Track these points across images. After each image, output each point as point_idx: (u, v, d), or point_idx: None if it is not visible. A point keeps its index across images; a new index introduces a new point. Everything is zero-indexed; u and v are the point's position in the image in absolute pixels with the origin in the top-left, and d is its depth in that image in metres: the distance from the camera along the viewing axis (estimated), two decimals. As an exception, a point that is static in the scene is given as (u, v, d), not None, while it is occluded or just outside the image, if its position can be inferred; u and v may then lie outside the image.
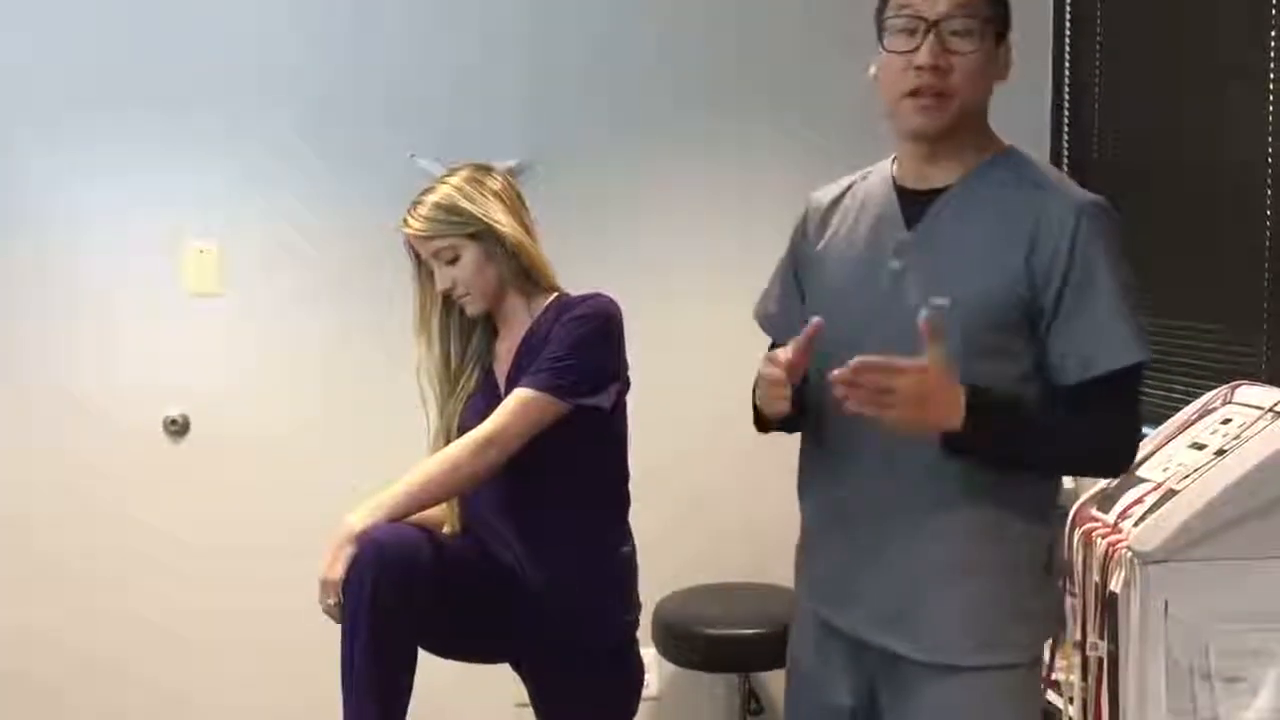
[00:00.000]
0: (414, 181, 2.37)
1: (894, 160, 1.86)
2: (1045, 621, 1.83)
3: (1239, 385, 2.03)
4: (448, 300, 2.25)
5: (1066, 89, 3.47)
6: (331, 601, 2.01)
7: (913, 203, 1.80)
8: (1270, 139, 2.62)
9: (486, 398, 2.22)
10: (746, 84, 3.43)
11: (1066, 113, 3.47)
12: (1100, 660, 1.90)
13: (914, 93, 1.72)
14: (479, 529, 2.24)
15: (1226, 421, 1.95)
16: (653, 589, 2.81)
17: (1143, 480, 1.95)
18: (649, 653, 2.78)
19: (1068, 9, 3.46)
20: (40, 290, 3.26)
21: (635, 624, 2.28)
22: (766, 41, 3.42)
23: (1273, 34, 2.62)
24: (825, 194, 1.95)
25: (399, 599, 1.98)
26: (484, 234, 2.20)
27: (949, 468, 1.70)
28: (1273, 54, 2.62)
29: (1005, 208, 1.73)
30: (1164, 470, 1.95)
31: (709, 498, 3.40)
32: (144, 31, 3.26)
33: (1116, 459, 1.76)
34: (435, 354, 2.28)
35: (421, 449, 2.26)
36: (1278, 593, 1.83)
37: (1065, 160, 3.47)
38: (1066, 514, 2.06)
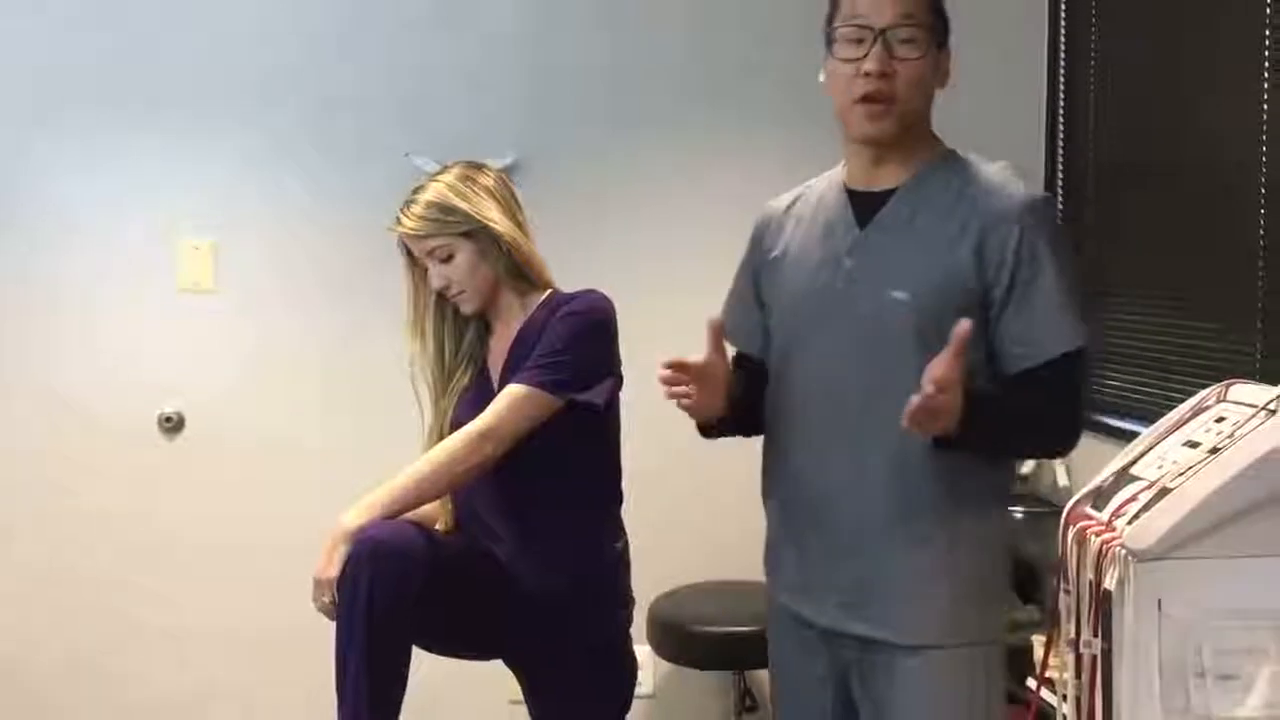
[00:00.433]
0: (409, 180, 2.38)
1: (843, 165, 1.96)
2: (1006, 601, 1.95)
3: (1232, 383, 2.03)
4: (441, 298, 2.26)
5: (1061, 90, 3.47)
6: (326, 600, 2.01)
7: (863, 204, 1.90)
8: (1263, 138, 2.63)
9: (480, 394, 2.22)
10: (743, 80, 3.43)
11: (1061, 114, 3.47)
12: (1094, 658, 1.90)
13: (863, 99, 1.82)
14: (472, 525, 2.24)
15: (1220, 420, 1.95)
16: (648, 587, 2.82)
17: (1136, 478, 1.95)
18: (644, 650, 2.79)
19: (1062, 10, 3.46)
20: (32, 287, 3.27)
21: (629, 619, 2.29)
22: (764, 38, 3.42)
23: (1266, 33, 2.62)
24: (779, 202, 2.06)
25: (393, 597, 1.98)
26: (477, 232, 2.20)
27: (910, 460, 1.81)
28: (1267, 54, 2.62)
29: (952, 206, 1.84)
30: (1158, 468, 1.95)
31: (704, 496, 3.40)
32: (139, 28, 3.27)
33: (1063, 440, 1.89)
34: (429, 351, 2.29)
35: (417, 447, 2.26)
36: (1272, 590, 1.83)
37: (1060, 161, 3.48)
38: (1060, 512, 2.07)
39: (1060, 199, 3.48)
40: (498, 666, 2.33)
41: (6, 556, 3.28)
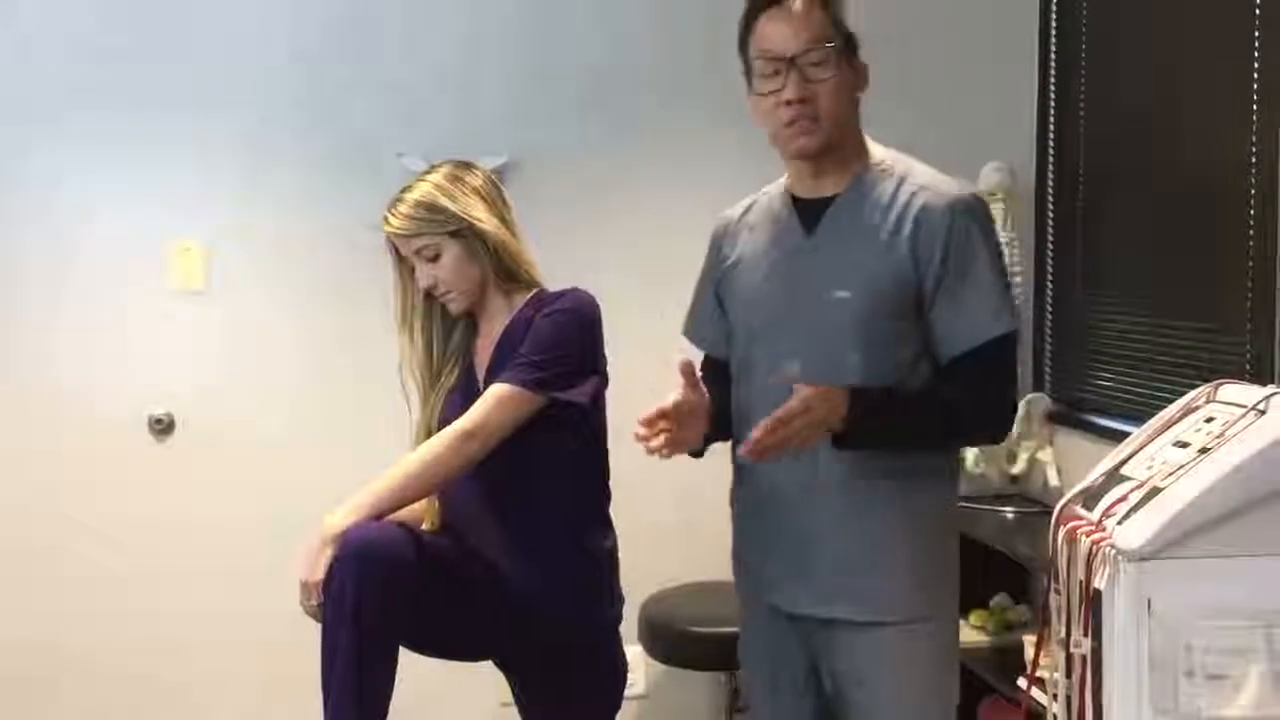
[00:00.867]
0: (401, 181, 2.37)
1: (787, 175, 2.07)
2: (956, 578, 2.06)
3: (1222, 384, 2.03)
4: (429, 297, 2.25)
5: (1052, 92, 3.47)
6: (313, 603, 2.00)
7: (807, 211, 2.01)
8: (1253, 139, 2.63)
9: (466, 393, 2.21)
10: (737, 81, 3.42)
11: (1052, 116, 3.47)
12: (1084, 658, 1.90)
13: (789, 123, 1.93)
14: (459, 525, 2.23)
15: (1210, 420, 1.96)
16: (639, 588, 2.81)
17: (1127, 478, 1.96)
18: (635, 651, 2.78)
19: (1053, 9, 3.47)
20: (23, 289, 3.26)
21: (618, 618, 2.28)
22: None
23: (1257, 34, 2.63)
24: (732, 212, 2.16)
25: (380, 598, 1.97)
26: (465, 232, 2.19)
27: (861, 452, 1.91)
28: (1257, 55, 2.63)
29: (890, 207, 1.95)
30: (1147, 468, 1.95)
31: (695, 496, 3.39)
32: (131, 33, 3.26)
33: (995, 425, 1.99)
34: (418, 350, 2.28)
35: (408, 447, 2.25)
36: (1261, 590, 1.83)
37: (1051, 163, 3.48)
38: (1050, 512, 2.07)
39: (1051, 200, 3.49)
40: (488, 668, 2.32)
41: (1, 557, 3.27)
